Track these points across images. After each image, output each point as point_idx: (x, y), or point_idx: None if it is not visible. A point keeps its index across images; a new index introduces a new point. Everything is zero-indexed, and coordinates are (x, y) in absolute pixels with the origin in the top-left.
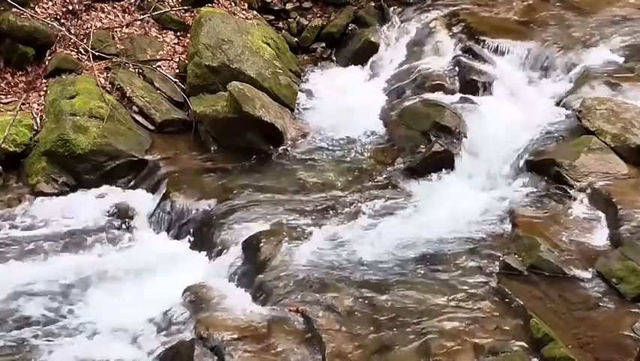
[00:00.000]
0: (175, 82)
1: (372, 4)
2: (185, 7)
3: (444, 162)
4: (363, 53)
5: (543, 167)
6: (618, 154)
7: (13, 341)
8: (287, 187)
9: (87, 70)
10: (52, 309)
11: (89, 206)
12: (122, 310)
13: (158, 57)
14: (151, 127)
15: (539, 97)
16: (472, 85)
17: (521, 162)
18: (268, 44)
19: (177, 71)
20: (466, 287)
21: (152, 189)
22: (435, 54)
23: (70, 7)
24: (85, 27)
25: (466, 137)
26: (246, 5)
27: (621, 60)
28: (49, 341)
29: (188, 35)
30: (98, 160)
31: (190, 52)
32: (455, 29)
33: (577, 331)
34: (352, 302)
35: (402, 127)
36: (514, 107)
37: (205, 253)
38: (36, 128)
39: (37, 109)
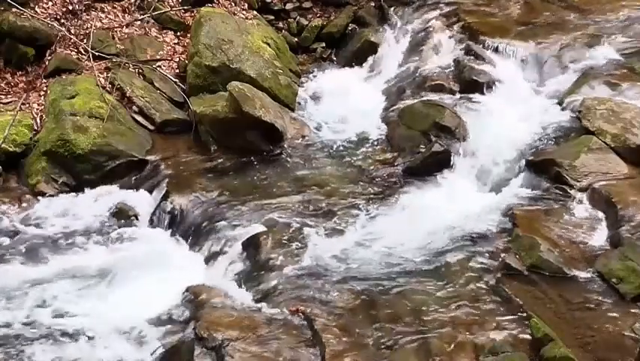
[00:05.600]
0: (175, 82)
1: (372, 4)
2: (185, 7)
3: (444, 162)
4: (363, 53)
5: (543, 167)
6: (618, 154)
7: (12, 341)
8: (287, 187)
9: (87, 70)
10: (52, 309)
11: (89, 206)
12: (121, 310)
13: (158, 57)
14: (151, 127)
15: (539, 97)
16: (472, 85)
17: (521, 162)
18: (268, 44)
19: (177, 71)
20: (465, 287)
21: (152, 189)
22: (435, 54)
23: (70, 7)
24: (85, 27)
25: (466, 137)
26: (246, 5)
27: (621, 60)
28: (48, 341)
29: (188, 35)
30: (98, 160)
31: (190, 52)
32: (455, 29)
33: (577, 331)
34: (352, 302)
35: (402, 127)
36: (514, 107)
37: (205, 252)
38: (36, 128)
39: (37, 109)
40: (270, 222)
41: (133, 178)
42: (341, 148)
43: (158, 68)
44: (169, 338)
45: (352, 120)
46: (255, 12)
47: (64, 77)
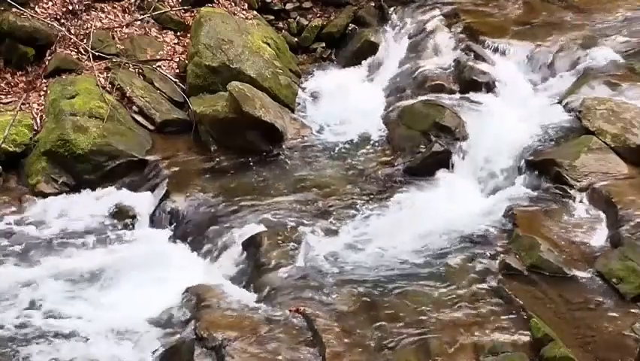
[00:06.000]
0: (175, 82)
1: (372, 4)
2: (185, 7)
3: (444, 162)
4: (363, 53)
5: (543, 167)
6: (618, 154)
7: (12, 342)
8: (287, 187)
9: (87, 70)
10: (52, 309)
11: (89, 206)
12: (121, 311)
13: (158, 57)
14: (151, 127)
15: (539, 97)
16: (472, 85)
17: (521, 162)
18: (268, 44)
19: (177, 71)
20: (465, 287)
21: (152, 189)
22: (435, 54)
23: (70, 7)
24: (85, 27)
25: (466, 137)
26: (246, 5)
27: (621, 60)
28: (48, 341)
29: (188, 35)
30: (98, 160)
31: (190, 52)
32: (455, 29)
33: (577, 331)
34: (352, 302)
35: (402, 127)
36: (514, 107)
37: (205, 252)
38: (36, 128)
39: (37, 109)
40: (270, 222)
41: (133, 178)
42: (341, 148)
43: (158, 68)
44: (169, 338)
45: (352, 120)
46: (255, 12)
47: (64, 77)
